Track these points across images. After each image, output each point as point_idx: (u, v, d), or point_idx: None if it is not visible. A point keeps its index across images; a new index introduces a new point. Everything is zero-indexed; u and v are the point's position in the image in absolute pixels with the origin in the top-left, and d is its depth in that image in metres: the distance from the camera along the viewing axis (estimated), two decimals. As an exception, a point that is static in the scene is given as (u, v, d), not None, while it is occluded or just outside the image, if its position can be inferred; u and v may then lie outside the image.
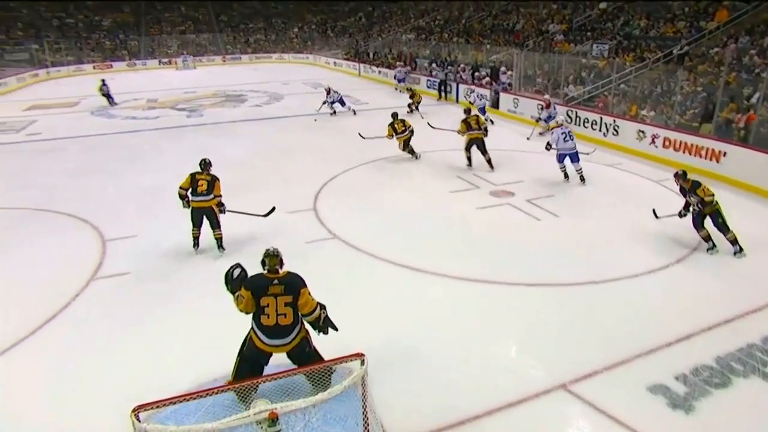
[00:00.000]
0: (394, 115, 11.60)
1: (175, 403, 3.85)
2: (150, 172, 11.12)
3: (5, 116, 18.56)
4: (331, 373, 4.03)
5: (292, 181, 10.37)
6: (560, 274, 6.35)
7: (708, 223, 6.81)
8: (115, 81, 20.81)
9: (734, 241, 6.77)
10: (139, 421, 2.87)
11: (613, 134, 12.31)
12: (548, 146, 9.68)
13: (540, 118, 13.36)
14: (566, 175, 9.74)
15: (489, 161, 10.53)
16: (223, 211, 7.03)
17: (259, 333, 4.02)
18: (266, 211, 7.56)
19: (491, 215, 8.41)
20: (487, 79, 18.36)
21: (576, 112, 13.51)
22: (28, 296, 6.16)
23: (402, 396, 4.30)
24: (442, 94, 19.82)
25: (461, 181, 9.97)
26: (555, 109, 13.27)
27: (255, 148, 13.15)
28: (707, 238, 6.84)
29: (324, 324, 4.18)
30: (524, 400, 4.28)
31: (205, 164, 7.03)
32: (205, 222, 6.93)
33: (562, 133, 9.46)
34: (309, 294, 4.06)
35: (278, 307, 3.94)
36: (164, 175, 10.48)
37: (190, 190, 6.84)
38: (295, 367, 3.90)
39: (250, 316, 4.08)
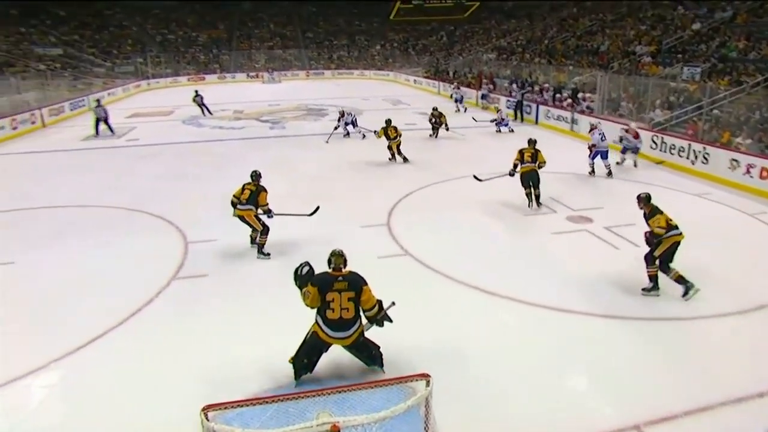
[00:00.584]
0: (388, 122, 13.02)
1: (242, 405, 3.99)
2: (233, 179, 11.59)
3: (111, 122, 20.18)
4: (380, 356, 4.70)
5: (368, 195, 10.54)
6: (641, 308, 5.99)
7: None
8: (205, 92, 22.14)
9: (679, 280, 6.11)
10: (208, 420, 2.98)
11: (703, 162, 11.56)
12: (591, 147, 11.35)
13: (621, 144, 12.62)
14: (593, 171, 11.53)
15: (537, 197, 9.42)
16: (270, 217, 7.41)
17: (323, 326, 4.41)
18: (311, 211, 7.95)
19: (568, 241, 8.12)
20: (569, 101, 17.86)
21: (662, 138, 12.81)
22: (115, 291, 6.60)
23: (465, 422, 4.19)
24: (518, 114, 19.42)
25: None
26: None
27: (333, 161, 13.49)
28: (679, 279, 6.11)
29: (381, 319, 4.60)
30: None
31: (256, 176, 7.46)
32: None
33: (599, 133, 11.30)
34: (370, 291, 4.47)
35: (342, 302, 4.34)
36: (243, 181, 11.00)
37: (238, 198, 7.27)
38: (359, 382, 3.93)
39: (315, 312, 4.48)
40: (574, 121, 16.45)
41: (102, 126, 17.74)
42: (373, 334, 4.81)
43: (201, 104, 21.60)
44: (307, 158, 13.60)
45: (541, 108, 18.63)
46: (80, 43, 38.38)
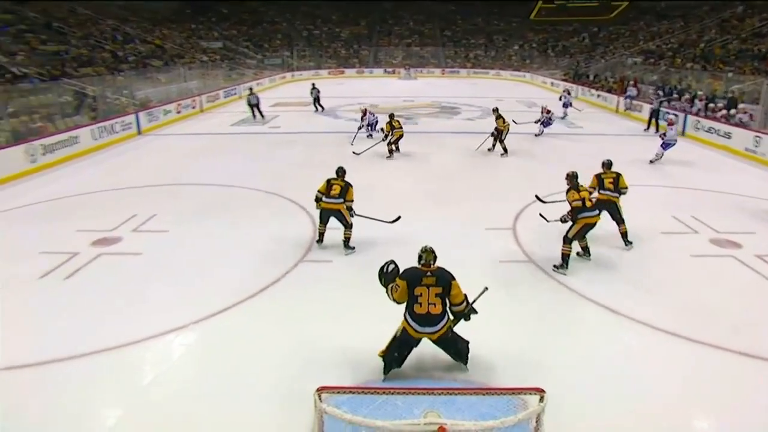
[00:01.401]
0: (391, 115, 13.91)
1: (353, 392, 4.13)
2: (363, 171, 12.06)
3: (262, 109, 22.02)
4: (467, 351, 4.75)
5: (495, 197, 10.33)
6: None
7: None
8: (343, 86, 23.09)
9: (585, 249, 7.26)
10: (321, 401, 3.12)
11: None
12: (663, 136, 12.87)
13: None
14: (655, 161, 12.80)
15: (624, 234, 7.79)
16: (353, 215, 7.59)
17: (411, 321, 4.47)
18: (392, 219, 7.89)
19: (709, 267, 7.31)
20: (723, 111, 15.98)
21: None
22: (247, 267, 7.16)
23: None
24: (651, 122, 17.63)
25: (677, 222, 8.86)
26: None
27: (462, 160, 13.42)
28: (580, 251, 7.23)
29: (468, 313, 4.60)
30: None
31: (342, 172, 7.68)
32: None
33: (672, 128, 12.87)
34: (459, 286, 4.49)
35: (429, 297, 4.37)
36: (377, 175, 11.46)
37: (324, 193, 7.48)
38: (476, 387, 3.90)
39: (403, 308, 4.53)
40: (727, 135, 14.74)
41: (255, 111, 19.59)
42: (484, 336, 4.74)
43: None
44: (437, 156, 13.66)
45: (690, 118, 16.87)
46: (237, 37, 42.14)
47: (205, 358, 5.25)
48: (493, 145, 13.97)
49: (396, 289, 4.50)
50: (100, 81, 18.63)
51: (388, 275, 4.74)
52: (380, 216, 7.95)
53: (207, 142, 15.78)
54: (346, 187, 7.50)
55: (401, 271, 4.64)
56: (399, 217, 7.98)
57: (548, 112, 16.18)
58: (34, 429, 4.29)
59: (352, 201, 7.57)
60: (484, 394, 3.64)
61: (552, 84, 32.43)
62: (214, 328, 5.71)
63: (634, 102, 20.63)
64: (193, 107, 21.47)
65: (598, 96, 24.74)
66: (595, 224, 6.90)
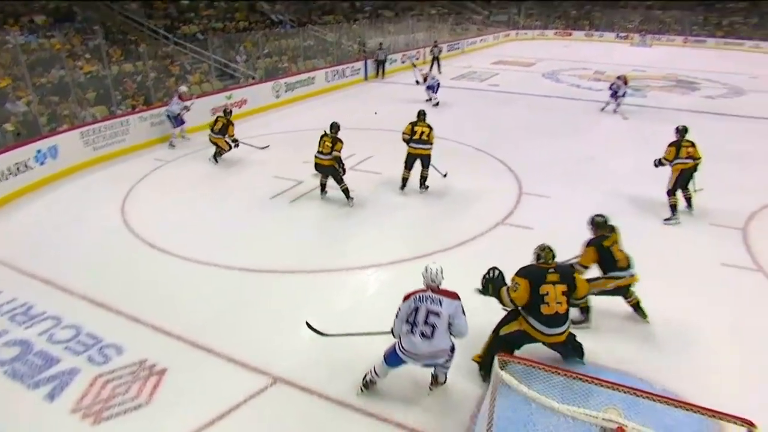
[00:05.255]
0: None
1: (532, 366, 4.10)
2: (581, 141, 11.37)
3: (478, 66, 21.98)
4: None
5: (733, 190, 8.65)
6: None
7: None
8: (569, 49, 21.53)
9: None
10: (501, 369, 3.17)
11: None
12: None
13: None
14: None
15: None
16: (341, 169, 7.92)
17: (538, 325, 4.10)
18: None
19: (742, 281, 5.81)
20: None
21: None
22: (454, 223, 7.36)
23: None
24: None
25: None
26: None
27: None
28: None
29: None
30: None
31: (335, 127, 7.72)
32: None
33: None
34: (582, 277, 4.30)
35: (556, 296, 4.04)
36: (594, 146, 10.82)
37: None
38: (662, 394, 3.56)
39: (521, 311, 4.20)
40: None
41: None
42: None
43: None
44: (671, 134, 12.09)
45: None
46: (466, -9, 41.80)
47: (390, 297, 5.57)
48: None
49: (516, 288, 4.12)
50: (338, 28, 20.31)
51: (495, 280, 4.42)
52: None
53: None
54: (334, 143, 7.60)
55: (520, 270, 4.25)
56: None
57: None
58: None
59: (341, 152, 7.65)
60: (676, 406, 3.30)
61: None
62: (404, 271, 5.96)
63: None
64: (417, 58, 22.24)
65: None
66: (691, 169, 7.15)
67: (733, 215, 7.61)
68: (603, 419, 2.65)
